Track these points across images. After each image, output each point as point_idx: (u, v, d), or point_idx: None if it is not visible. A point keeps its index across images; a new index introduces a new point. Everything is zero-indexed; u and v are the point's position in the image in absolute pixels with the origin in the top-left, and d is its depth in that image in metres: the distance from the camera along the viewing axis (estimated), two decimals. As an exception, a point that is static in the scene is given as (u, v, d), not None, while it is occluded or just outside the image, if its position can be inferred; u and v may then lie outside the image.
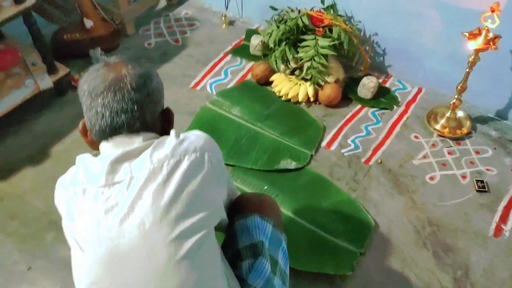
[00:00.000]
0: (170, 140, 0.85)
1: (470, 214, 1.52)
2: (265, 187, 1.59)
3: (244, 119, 1.82)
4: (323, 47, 1.78)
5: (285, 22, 1.91)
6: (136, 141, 0.85)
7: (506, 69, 1.69)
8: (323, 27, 1.84)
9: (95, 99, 0.84)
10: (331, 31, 1.84)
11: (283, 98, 1.90)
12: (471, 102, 1.83)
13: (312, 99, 1.88)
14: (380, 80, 1.98)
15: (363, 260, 1.40)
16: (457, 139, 1.75)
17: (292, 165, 1.65)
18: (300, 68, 1.92)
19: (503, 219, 1.50)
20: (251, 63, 2.10)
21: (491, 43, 1.49)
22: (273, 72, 1.97)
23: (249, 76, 2.04)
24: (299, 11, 1.88)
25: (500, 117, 1.81)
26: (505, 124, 1.80)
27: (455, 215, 1.52)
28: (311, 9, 1.91)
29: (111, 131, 0.85)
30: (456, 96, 1.68)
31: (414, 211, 1.53)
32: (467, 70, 1.58)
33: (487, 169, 1.64)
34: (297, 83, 1.90)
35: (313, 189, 1.59)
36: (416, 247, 1.44)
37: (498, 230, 1.47)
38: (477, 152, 1.70)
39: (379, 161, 1.68)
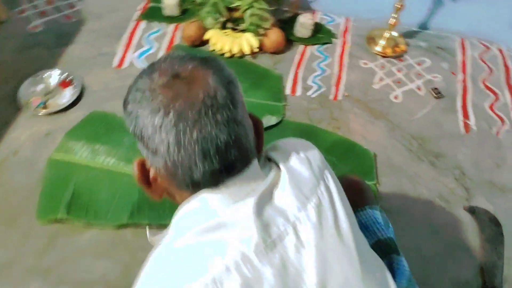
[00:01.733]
0: (297, 160, 0.64)
1: (439, 120, 1.65)
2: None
3: (198, 87, 1.62)
4: (261, -10, 1.66)
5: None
6: (258, 177, 0.61)
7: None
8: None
9: (186, 132, 0.54)
10: (258, -28, 1.72)
11: (226, 55, 1.74)
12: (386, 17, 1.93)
13: (256, 50, 1.77)
14: (309, 17, 1.96)
15: (379, 191, 1.43)
16: (398, 57, 1.85)
17: (273, 120, 1.55)
18: (233, 20, 1.77)
19: (466, 115, 1.66)
20: (171, 26, 1.86)
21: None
22: (205, 30, 1.77)
23: (177, 40, 1.81)
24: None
25: (423, 29, 1.97)
26: (428, 33, 1.96)
27: (429, 124, 1.63)
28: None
29: (219, 174, 0.58)
30: (394, 15, 1.76)
31: (397, 131, 1.59)
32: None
33: (433, 77, 1.79)
34: (236, 36, 1.76)
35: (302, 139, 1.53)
36: (414, 163, 1.51)
37: (467, 126, 1.64)
38: (419, 64, 1.83)
39: (346, 94, 1.69)
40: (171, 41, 1.80)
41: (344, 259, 0.60)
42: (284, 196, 0.60)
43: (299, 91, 1.68)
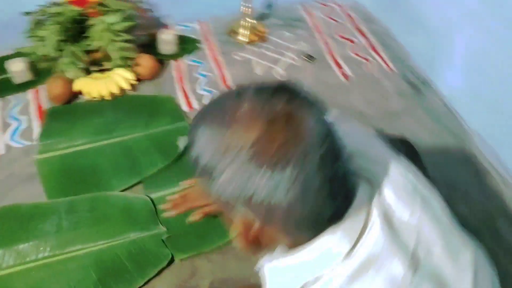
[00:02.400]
0: (381, 162, 0.64)
1: (324, 79, 1.79)
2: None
3: (97, 141, 1.50)
4: (117, 23, 1.58)
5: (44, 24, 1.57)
6: (365, 195, 0.58)
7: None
8: (93, 7, 1.62)
9: (310, 181, 0.49)
10: (102, 5, 1.64)
11: (106, 98, 1.64)
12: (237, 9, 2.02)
13: (134, 82, 1.69)
14: (166, 32, 1.94)
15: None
16: (263, 39, 1.96)
17: (184, 139, 1.52)
18: (96, 62, 1.67)
19: (339, 66, 1.85)
20: (30, 92, 1.67)
21: None
22: (71, 82, 1.63)
23: (44, 103, 1.63)
24: (58, 4, 1.57)
25: (271, 8, 2.10)
26: (277, 11, 2.09)
27: (319, 87, 1.74)
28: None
29: (345, 207, 0.56)
30: (245, 4, 1.84)
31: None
32: (246, -24, 1.75)
33: (300, 46, 1.93)
34: (108, 76, 1.66)
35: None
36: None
37: (345, 76, 1.81)
38: (282, 37, 1.96)
39: (237, 89, 1.74)
40: (39, 108, 1.62)
41: (464, 247, 0.63)
42: (397, 207, 0.59)
43: (195, 104, 1.67)
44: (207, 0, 1.95)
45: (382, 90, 1.77)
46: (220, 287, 1.21)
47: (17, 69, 1.64)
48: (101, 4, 1.63)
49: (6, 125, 1.56)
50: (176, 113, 1.63)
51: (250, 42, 1.92)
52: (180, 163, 1.46)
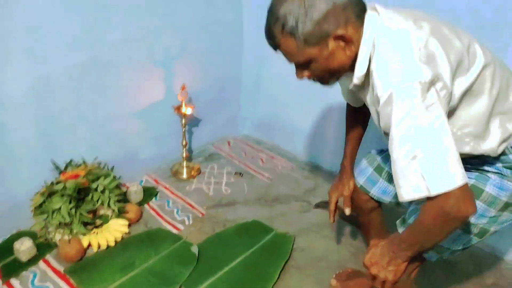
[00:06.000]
0: None
1: (257, 184, 2.50)
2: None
3: (126, 274, 1.83)
4: (109, 183, 2.02)
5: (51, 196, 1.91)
6: None
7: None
8: (84, 178, 2.03)
9: None
10: (90, 175, 2.06)
11: (111, 245, 1.97)
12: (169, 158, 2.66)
13: (127, 231, 2.08)
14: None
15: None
16: (199, 173, 2.59)
17: (194, 248, 1.96)
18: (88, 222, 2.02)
19: (261, 174, 2.59)
20: (41, 264, 1.88)
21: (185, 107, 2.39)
22: (79, 240, 1.93)
23: (57, 265, 1.87)
24: (57, 182, 1.94)
25: (192, 150, 2.78)
26: (198, 151, 2.80)
27: (258, 187, 2.45)
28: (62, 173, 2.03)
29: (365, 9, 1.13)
30: (184, 150, 2.49)
31: (251, 205, 2.33)
32: (184, 129, 2.42)
33: (227, 170, 2.63)
34: (107, 227, 2.01)
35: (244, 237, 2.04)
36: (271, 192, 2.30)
37: (268, 178, 2.56)
38: (212, 168, 2.64)
39: (205, 207, 2.28)
40: (57, 272, 1.85)
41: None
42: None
43: (180, 226, 2.14)
44: (143, 161, 2.54)
45: (294, 179, 2.57)
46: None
47: (25, 247, 1.87)
48: (88, 174, 2.06)
49: (36, 297, 1.75)
50: (171, 237, 2.07)
51: (191, 177, 2.53)
52: (201, 264, 1.90)
